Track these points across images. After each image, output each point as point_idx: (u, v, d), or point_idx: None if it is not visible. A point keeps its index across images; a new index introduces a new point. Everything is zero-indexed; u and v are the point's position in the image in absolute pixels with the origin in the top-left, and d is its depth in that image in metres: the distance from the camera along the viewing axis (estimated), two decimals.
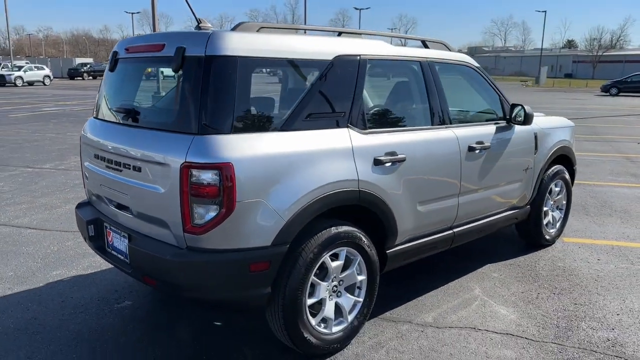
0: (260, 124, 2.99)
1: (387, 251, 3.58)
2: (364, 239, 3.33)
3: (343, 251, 3.27)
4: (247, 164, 2.78)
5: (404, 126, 3.80)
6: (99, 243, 3.51)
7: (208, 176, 2.71)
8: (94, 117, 3.70)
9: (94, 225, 3.51)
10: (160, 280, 2.92)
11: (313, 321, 3.17)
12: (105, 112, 3.54)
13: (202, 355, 3.28)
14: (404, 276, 4.52)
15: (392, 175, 3.44)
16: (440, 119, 3.92)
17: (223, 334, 3.54)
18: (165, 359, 3.24)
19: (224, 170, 2.71)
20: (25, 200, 6.94)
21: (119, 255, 3.25)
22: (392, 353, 3.33)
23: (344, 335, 3.33)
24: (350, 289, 3.43)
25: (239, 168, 2.74)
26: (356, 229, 3.29)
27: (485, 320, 3.76)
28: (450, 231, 4.08)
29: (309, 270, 3.05)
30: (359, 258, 3.37)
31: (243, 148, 2.80)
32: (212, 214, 2.75)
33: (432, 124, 3.89)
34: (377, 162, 3.33)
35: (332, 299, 3.29)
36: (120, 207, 3.26)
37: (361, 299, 3.44)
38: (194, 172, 2.71)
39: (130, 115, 3.18)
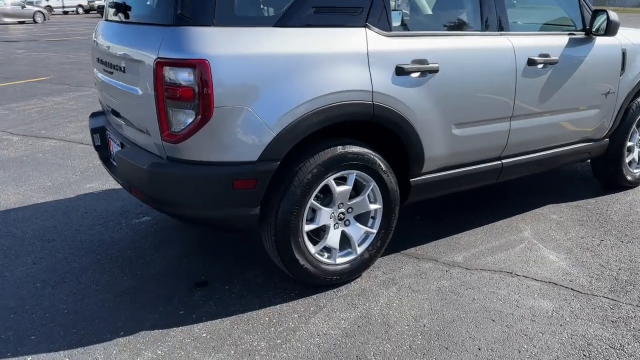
0: (251, 16, 2.57)
1: (411, 179, 3.10)
2: (379, 163, 2.87)
3: (352, 175, 2.84)
4: (228, 63, 2.39)
5: (442, 29, 3.18)
6: (104, 154, 3.36)
7: (183, 75, 2.37)
8: (103, 19, 3.46)
9: (99, 135, 3.35)
10: (144, 194, 2.69)
11: (312, 249, 2.83)
12: (107, 11, 3.27)
13: (202, 275, 3.09)
14: (439, 209, 4.02)
15: (420, 88, 2.90)
16: (494, 23, 3.25)
17: (232, 255, 3.32)
18: (162, 276, 3.08)
19: (199, 68, 2.34)
20: (86, 118, 7.09)
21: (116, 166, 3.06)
22: (404, 291, 2.93)
23: (350, 267, 2.97)
24: (362, 218, 3.03)
25: (217, 67, 2.36)
26: (370, 151, 2.84)
27: (527, 266, 3.22)
28: (498, 162, 3.48)
29: (307, 193, 2.67)
30: (373, 184, 2.93)
31: (224, 43, 2.40)
32: (189, 120, 2.43)
33: (482, 29, 3.23)
34: (400, 72, 2.80)
35: (337, 227, 2.91)
36: (115, 113, 3.05)
37: (374, 230, 3.03)
38: (167, 70, 2.37)
39: (121, 9, 2.88)
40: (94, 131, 3.35)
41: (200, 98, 2.37)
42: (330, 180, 2.77)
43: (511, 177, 3.67)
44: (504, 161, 3.51)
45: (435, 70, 2.93)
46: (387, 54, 2.79)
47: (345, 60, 2.66)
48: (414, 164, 3.06)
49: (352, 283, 3.01)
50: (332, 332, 2.59)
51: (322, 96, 2.58)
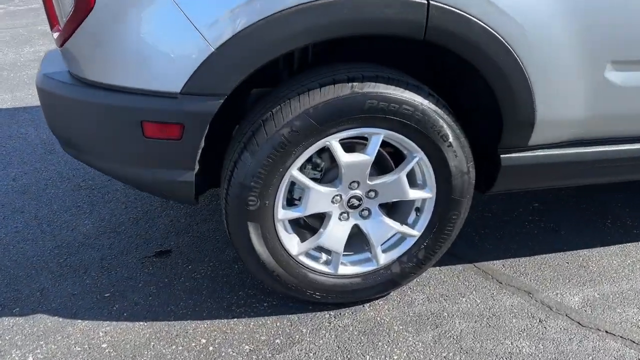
0: None
1: (503, 155, 1.73)
2: (438, 120, 1.57)
3: (377, 137, 1.59)
4: None
5: None
6: None
7: None
8: None
9: None
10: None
11: (295, 247, 1.71)
12: None
13: (182, 256, 2.19)
14: (531, 199, 2.51)
15: None
16: None
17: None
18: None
19: None
20: None
21: None
22: (455, 349, 1.70)
23: (363, 283, 1.80)
24: (398, 209, 1.80)
25: None
26: (420, 99, 1.54)
27: None
28: None
29: (282, 159, 1.53)
30: (420, 157, 1.65)
31: None
32: (68, 7, 1.40)
33: None
34: None
35: (347, 218, 1.73)
36: None
37: (416, 232, 1.78)
38: None
39: None
40: None
41: None
42: (332, 142, 1.56)
43: None
44: None
45: None
46: None
47: None
48: (513, 128, 1.67)
49: (363, 308, 1.86)
50: None
51: None
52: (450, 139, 1.62)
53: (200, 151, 1.51)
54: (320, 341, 1.72)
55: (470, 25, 1.45)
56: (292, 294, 1.78)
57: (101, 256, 2.10)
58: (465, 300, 1.90)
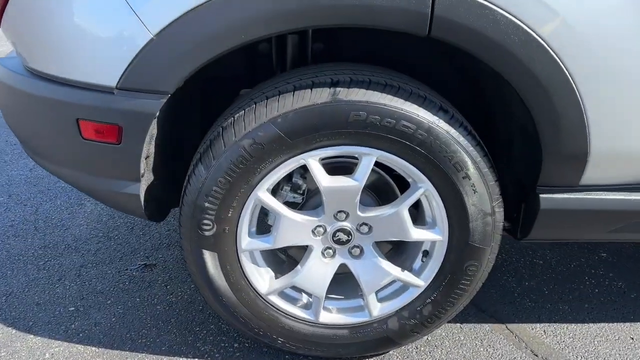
0: None
1: (542, 194, 1.31)
2: (451, 140, 1.20)
3: (368, 158, 1.24)
4: None
5: None
6: None
7: None
8: None
9: None
10: None
11: (263, 285, 1.40)
12: None
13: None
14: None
15: None
16: None
17: None
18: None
19: None
20: None
21: None
22: None
23: (350, 337, 1.45)
24: (403, 252, 1.44)
25: None
26: (423, 112, 1.18)
27: None
28: None
29: (244, 174, 1.22)
30: (426, 189, 1.27)
31: None
32: None
33: None
34: None
35: (332, 255, 1.39)
36: None
37: (422, 283, 1.40)
38: None
39: None
40: None
41: None
42: (308, 160, 1.23)
43: None
44: None
45: None
46: None
47: None
48: (557, 160, 1.25)
49: None
50: None
51: None
52: (468, 169, 1.23)
53: (144, 159, 1.24)
54: None
55: (492, 18, 1.06)
56: (262, 340, 1.46)
57: (82, 263, 1.91)
58: None
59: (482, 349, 1.57)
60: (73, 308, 1.71)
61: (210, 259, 1.32)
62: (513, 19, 1.07)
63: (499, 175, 1.31)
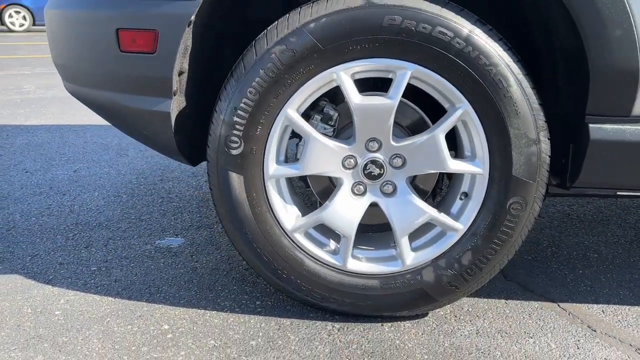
0: None
1: (592, 124, 1.21)
2: (491, 51, 1.15)
3: (403, 72, 1.20)
4: None
5: None
6: None
7: None
8: None
9: None
10: None
11: (290, 220, 1.32)
12: None
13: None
14: None
15: None
16: None
17: None
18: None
19: None
20: None
21: None
22: None
23: (381, 288, 1.32)
24: (437, 203, 1.35)
25: None
26: (461, 20, 1.15)
27: None
28: None
29: (275, 86, 1.20)
30: (464, 110, 1.21)
31: None
32: None
33: None
34: None
35: (363, 192, 1.31)
36: None
37: (461, 226, 1.28)
38: None
39: None
40: None
41: None
42: (340, 73, 1.21)
43: None
44: None
45: None
46: None
47: None
48: (606, 82, 1.17)
49: (382, 327, 1.36)
50: None
51: None
52: (510, 86, 1.17)
53: (177, 74, 1.24)
54: (307, 352, 1.25)
55: None
56: (285, 287, 1.35)
57: (111, 236, 1.88)
58: (534, 342, 1.30)
59: (530, 321, 1.39)
60: (95, 268, 1.66)
61: (236, 182, 1.27)
62: None
63: (546, 110, 1.23)
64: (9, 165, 2.70)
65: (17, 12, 14.38)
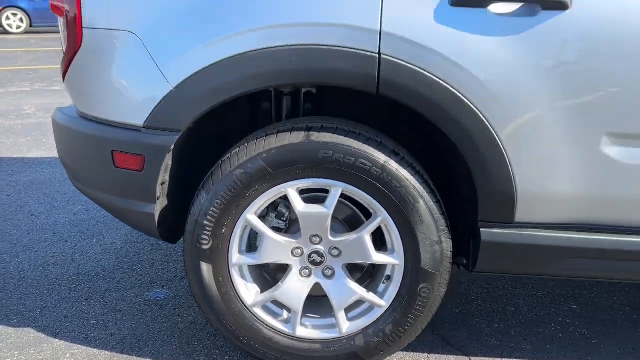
0: None
1: (483, 228, 1.56)
2: (402, 176, 1.49)
3: (336, 189, 1.54)
4: None
5: None
6: None
7: None
8: None
9: None
10: None
11: (250, 297, 1.66)
12: None
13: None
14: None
15: (513, 40, 1.37)
16: None
17: None
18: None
19: None
20: None
21: None
22: None
23: (322, 351, 1.67)
24: (373, 278, 1.69)
25: None
26: (373, 151, 1.48)
27: None
28: None
29: (236, 200, 1.54)
30: (383, 217, 1.55)
31: None
32: (65, 45, 1.62)
33: None
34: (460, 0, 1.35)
35: (308, 274, 1.65)
36: None
37: (384, 303, 1.63)
38: None
39: None
40: None
41: (67, 15, 1.53)
42: (288, 189, 1.55)
43: None
44: None
45: (562, 5, 1.33)
46: None
47: None
48: (491, 200, 1.51)
49: None
50: None
51: (265, 29, 1.40)
52: (416, 202, 1.51)
53: (160, 185, 1.58)
54: None
55: (430, 86, 1.39)
56: (246, 350, 1.70)
57: (107, 288, 2.22)
58: None
59: None
60: (94, 321, 2.00)
61: (206, 270, 1.61)
62: (440, 81, 1.39)
63: (454, 213, 1.58)
64: (16, 207, 3.04)
65: (15, 15, 14.59)
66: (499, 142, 1.43)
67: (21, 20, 14.54)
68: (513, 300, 2.18)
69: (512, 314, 2.09)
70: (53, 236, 2.69)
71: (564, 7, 1.32)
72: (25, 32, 14.40)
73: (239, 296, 1.65)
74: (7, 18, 14.43)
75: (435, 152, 1.72)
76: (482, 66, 1.38)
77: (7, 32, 14.32)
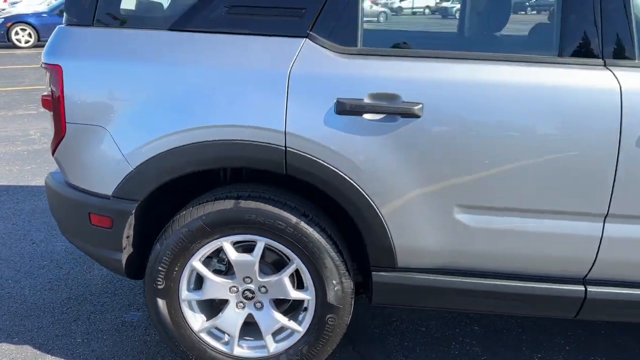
0: (143, 15, 2.02)
1: (374, 272, 2.02)
2: (310, 234, 1.94)
3: (260, 242, 2.00)
4: (86, 71, 1.94)
5: (471, 47, 1.90)
6: None
7: (48, 81, 2.04)
8: None
9: None
10: None
11: (197, 324, 2.12)
12: None
13: None
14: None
15: (383, 139, 1.82)
16: (590, 44, 1.80)
17: None
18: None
19: (52, 74, 1.97)
20: None
21: None
22: None
23: None
24: (295, 308, 2.15)
25: (72, 75, 1.95)
26: (286, 215, 1.94)
27: None
28: (580, 287, 1.97)
29: (183, 252, 2.00)
30: (297, 263, 2.01)
31: (89, 47, 1.96)
32: (53, 133, 2.09)
33: (562, 53, 1.83)
34: (343, 109, 1.80)
35: (243, 307, 2.11)
36: None
37: (301, 329, 2.09)
38: (46, 73, 2.08)
39: None
40: None
41: (55, 110, 2.00)
42: (223, 243, 2.01)
43: (607, 316, 2.05)
44: (591, 288, 1.96)
45: (413, 114, 1.78)
46: (327, 80, 1.82)
47: (247, 82, 1.85)
48: (376, 251, 1.97)
49: None
50: None
51: (197, 128, 1.86)
52: (322, 253, 1.96)
53: (125, 237, 2.05)
54: None
55: (322, 169, 1.84)
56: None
57: (92, 310, 2.69)
58: None
59: None
60: (80, 340, 2.47)
61: (161, 304, 2.08)
62: (332, 168, 1.84)
63: (357, 258, 2.03)
64: (19, 235, 3.52)
65: (23, 30, 15.16)
66: (376, 209, 1.88)
67: (29, 35, 15.11)
68: (426, 322, 2.63)
69: (422, 333, 2.54)
70: (50, 263, 3.17)
71: (416, 116, 1.78)
72: (34, 46, 14.96)
73: (187, 324, 2.12)
74: (16, 33, 15.01)
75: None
76: (360, 156, 1.83)
77: (16, 47, 14.90)
